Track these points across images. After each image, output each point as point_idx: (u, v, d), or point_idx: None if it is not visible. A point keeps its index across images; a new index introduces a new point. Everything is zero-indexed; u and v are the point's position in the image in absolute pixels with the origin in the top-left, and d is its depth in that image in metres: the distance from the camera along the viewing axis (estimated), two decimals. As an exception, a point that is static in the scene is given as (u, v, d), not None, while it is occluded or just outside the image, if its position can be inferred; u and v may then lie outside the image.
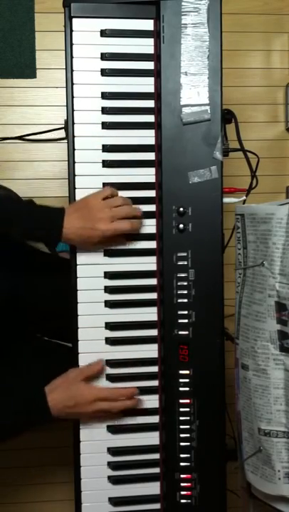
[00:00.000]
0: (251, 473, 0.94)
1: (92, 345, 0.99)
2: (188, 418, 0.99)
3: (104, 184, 0.98)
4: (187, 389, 0.99)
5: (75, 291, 0.99)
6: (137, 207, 0.98)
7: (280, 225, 0.86)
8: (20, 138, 1.69)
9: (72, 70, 0.98)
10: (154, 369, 1.01)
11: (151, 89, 0.99)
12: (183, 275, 0.98)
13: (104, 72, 0.98)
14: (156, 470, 1.01)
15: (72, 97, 0.98)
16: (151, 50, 0.99)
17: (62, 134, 1.00)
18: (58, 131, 1.71)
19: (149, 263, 1.00)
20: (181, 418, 0.99)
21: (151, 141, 1.00)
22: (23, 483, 1.74)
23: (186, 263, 0.98)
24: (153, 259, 1.00)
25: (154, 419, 1.01)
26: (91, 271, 0.99)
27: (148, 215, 1.00)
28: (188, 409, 0.99)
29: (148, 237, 1.00)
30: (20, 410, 0.96)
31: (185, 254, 0.98)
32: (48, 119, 1.78)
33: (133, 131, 0.99)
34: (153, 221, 1.00)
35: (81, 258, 0.99)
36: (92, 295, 0.99)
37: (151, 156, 1.00)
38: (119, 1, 0.98)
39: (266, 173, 1.73)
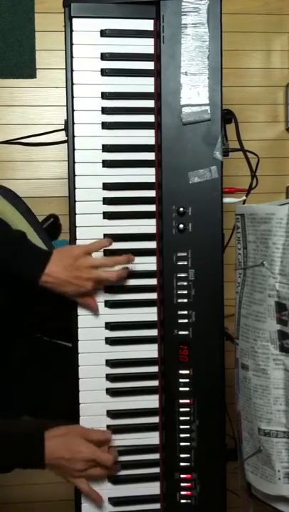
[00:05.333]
0: (251, 473, 0.94)
1: (92, 345, 0.99)
2: (188, 418, 0.99)
3: (104, 184, 0.98)
4: (187, 389, 0.99)
5: (75, 291, 0.99)
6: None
7: (280, 225, 0.86)
8: (21, 143, 1.69)
9: (72, 70, 0.98)
10: (154, 369, 1.00)
11: (151, 89, 0.99)
12: (183, 275, 0.98)
13: (104, 72, 0.98)
14: (156, 470, 1.01)
15: (72, 97, 0.98)
16: (151, 50, 0.99)
17: (62, 136, 1.00)
18: (58, 132, 1.71)
19: (149, 263, 1.00)
20: (181, 418, 0.99)
21: (151, 141, 1.00)
22: (23, 483, 1.74)
23: (186, 263, 0.98)
24: (153, 259, 1.00)
25: (154, 419, 1.01)
26: (91, 271, 0.99)
27: (148, 215, 1.00)
28: (188, 409, 0.99)
29: (148, 237, 1.00)
30: (14, 450, 0.93)
31: (185, 254, 0.98)
32: (48, 119, 1.78)
33: (133, 131, 0.99)
34: (153, 221, 1.00)
35: (81, 258, 0.99)
36: (92, 295, 0.99)
37: (151, 156, 1.00)
38: (119, 1, 0.98)
39: (266, 173, 1.73)
